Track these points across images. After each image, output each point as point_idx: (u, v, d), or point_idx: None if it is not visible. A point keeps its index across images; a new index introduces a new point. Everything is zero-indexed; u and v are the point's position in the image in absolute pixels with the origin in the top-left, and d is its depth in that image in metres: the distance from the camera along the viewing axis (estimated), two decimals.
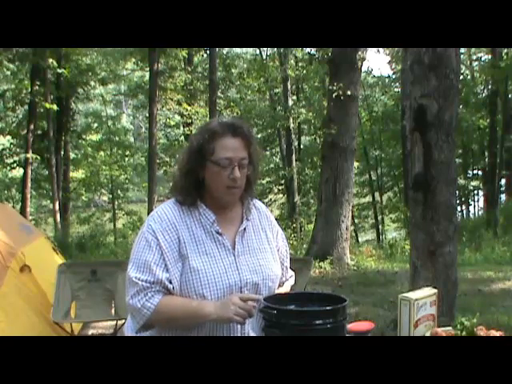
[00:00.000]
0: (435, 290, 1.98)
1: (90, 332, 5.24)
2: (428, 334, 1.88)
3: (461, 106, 15.66)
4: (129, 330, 1.87)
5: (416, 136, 4.62)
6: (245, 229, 1.91)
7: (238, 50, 18.88)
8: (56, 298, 4.43)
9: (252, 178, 1.90)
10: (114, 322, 4.67)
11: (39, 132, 15.33)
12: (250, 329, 1.84)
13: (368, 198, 20.31)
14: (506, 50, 14.60)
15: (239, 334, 1.82)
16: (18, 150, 16.00)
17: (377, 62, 70.18)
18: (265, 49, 17.44)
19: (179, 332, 1.79)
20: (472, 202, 21.30)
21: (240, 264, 1.84)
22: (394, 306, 4.98)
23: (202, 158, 1.81)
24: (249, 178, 1.88)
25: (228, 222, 1.89)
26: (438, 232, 4.55)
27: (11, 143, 16.32)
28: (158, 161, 15.24)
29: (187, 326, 1.78)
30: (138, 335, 1.80)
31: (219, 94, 15.35)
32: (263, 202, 2.16)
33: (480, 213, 20.05)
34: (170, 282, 1.77)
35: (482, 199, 20.35)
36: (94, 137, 19.22)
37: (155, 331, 1.80)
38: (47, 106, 13.24)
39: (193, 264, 1.78)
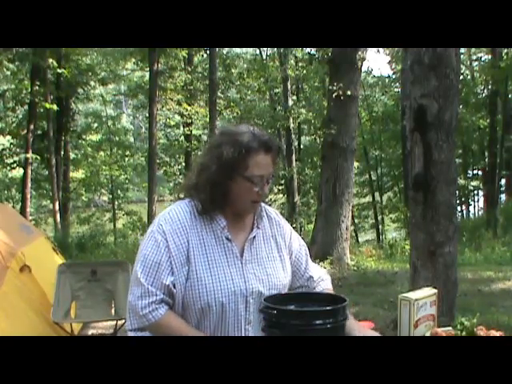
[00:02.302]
0: (435, 290, 1.98)
1: (90, 332, 5.24)
2: (428, 334, 1.88)
3: (461, 106, 15.66)
4: None
5: (416, 136, 4.62)
6: (254, 237, 1.89)
7: (237, 50, 18.88)
8: (56, 298, 4.43)
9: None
10: (114, 322, 4.67)
11: (39, 132, 15.33)
12: (251, 329, 1.84)
13: (368, 198, 20.33)
14: (506, 50, 14.60)
15: (242, 335, 1.82)
16: (18, 150, 15.99)
17: (377, 61, 70.23)
18: (265, 49, 17.45)
19: None
20: (472, 202, 21.32)
21: (247, 272, 1.82)
22: (394, 306, 4.98)
23: (234, 171, 1.78)
24: None
25: (238, 228, 1.88)
26: (438, 232, 4.55)
27: (11, 143, 16.31)
28: (158, 161, 15.26)
29: None
30: (138, 335, 1.80)
31: (219, 94, 15.34)
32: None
33: (480, 213, 20.07)
34: (174, 286, 1.76)
35: (482, 199, 20.37)
36: (94, 137, 19.24)
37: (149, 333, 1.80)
38: (47, 106, 13.25)
39: (199, 270, 1.77)
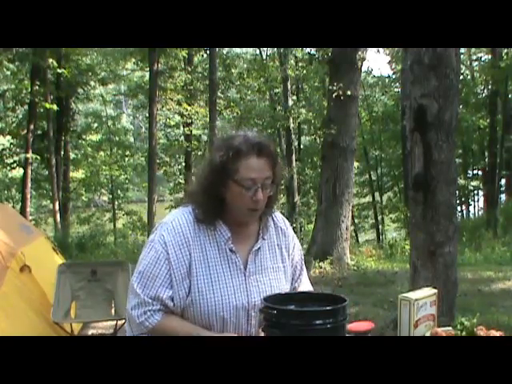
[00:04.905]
0: (435, 290, 1.98)
1: (90, 332, 5.23)
2: (428, 334, 1.88)
3: (461, 106, 15.66)
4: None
5: (416, 136, 4.62)
6: (259, 248, 1.85)
7: (237, 50, 18.88)
8: (56, 298, 4.43)
9: (273, 196, 1.83)
10: (114, 322, 4.67)
11: (39, 132, 15.34)
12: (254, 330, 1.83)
13: (368, 198, 20.34)
14: (506, 50, 14.61)
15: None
16: (18, 150, 16.01)
17: (377, 62, 70.26)
18: (265, 49, 17.45)
19: None
20: (472, 202, 21.33)
21: (250, 285, 1.79)
22: (394, 306, 4.98)
23: (225, 176, 1.73)
24: (270, 196, 1.81)
25: (243, 239, 1.83)
26: (438, 232, 4.55)
27: (11, 143, 16.32)
28: (158, 161, 15.27)
29: None
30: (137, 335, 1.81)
31: (219, 94, 15.33)
32: None
33: (480, 213, 20.07)
34: (172, 300, 1.74)
35: (482, 199, 20.38)
36: (94, 137, 19.26)
37: None
38: (47, 106, 13.26)
39: (200, 284, 1.74)
